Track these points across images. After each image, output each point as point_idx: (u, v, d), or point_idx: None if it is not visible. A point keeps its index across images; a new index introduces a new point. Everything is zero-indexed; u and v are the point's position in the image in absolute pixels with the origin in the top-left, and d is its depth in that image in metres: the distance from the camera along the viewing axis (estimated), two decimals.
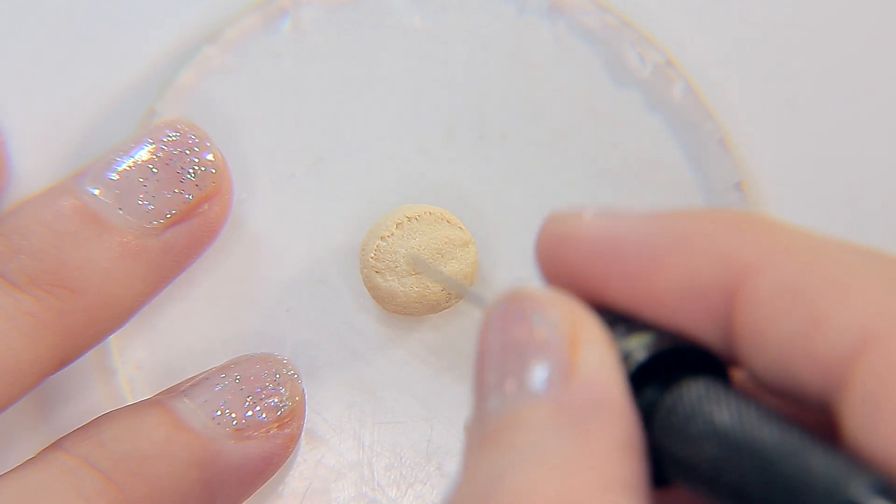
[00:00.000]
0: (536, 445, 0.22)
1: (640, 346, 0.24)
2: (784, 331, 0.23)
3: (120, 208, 0.33)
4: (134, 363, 0.38)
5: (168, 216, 0.34)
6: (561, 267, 0.26)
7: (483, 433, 0.23)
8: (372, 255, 0.36)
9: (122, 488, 0.32)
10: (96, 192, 0.34)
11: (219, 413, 0.34)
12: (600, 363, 0.23)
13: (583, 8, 0.38)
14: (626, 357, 0.24)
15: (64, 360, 0.33)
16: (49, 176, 0.36)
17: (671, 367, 0.24)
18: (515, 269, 0.39)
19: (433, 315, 0.38)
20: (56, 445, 0.33)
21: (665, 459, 0.23)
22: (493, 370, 0.24)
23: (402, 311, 0.37)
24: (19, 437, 0.37)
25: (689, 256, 0.24)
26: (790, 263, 0.23)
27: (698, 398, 0.23)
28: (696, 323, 0.24)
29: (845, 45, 0.39)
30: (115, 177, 0.34)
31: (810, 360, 0.22)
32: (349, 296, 0.38)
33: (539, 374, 0.23)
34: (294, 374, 0.36)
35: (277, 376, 0.35)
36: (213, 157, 0.35)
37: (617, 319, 0.25)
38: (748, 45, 0.39)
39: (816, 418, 0.23)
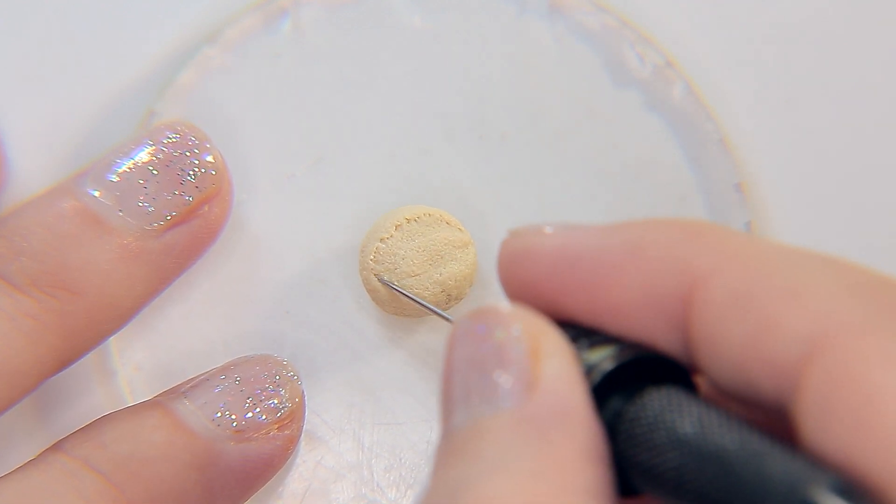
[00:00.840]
0: (500, 455, 0.23)
1: (603, 357, 0.24)
2: (736, 337, 0.23)
3: (120, 210, 0.33)
4: (134, 364, 0.38)
5: (168, 218, 0.34)
6: (522, 282, 0.26)
7: (448, 447, 0.24)
8: (371, 256, 0.36)
9: (123, 490, 0.32)
10: (97, 193, 0.33)
11: (219, 414, 0.34)
12: (561, 374, 0.24)
13: (583, 8, 0.38)
14: (590, 369, 0.24)
15: (64, 361, 0.33)
16: (49, 176, 0.37)
17: (636, 377, 0.24)
18: None
19: (432, 316, 0.38)
20: (56, 447, 0.33)
21: (631, 469, 0.24)
22: (459, 385, 0.24)
23: (402, 312, 0.37)
24: (19, 439, 0.37)
25: (643, 266, 0.24)
26: (741, 270, 0.23)
27: (660, 408, 0.23)
28: (656, 332, 0.24)
29: (845, 46, 0.39)
30: (115, 178, 0.34)
31: (763, 366, 0.22)
32: (349, 297, 0.38)
33: (502, 387, 0.24)
34: (294, 376, 0.36)
35: (277, 378, 0.35)
36: (213, 158, 0.35)
37: (581, 333, 0.25)
38: (748, 46, 0.39)
39: (778, 422, 0.23)
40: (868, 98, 0.39)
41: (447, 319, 0.35)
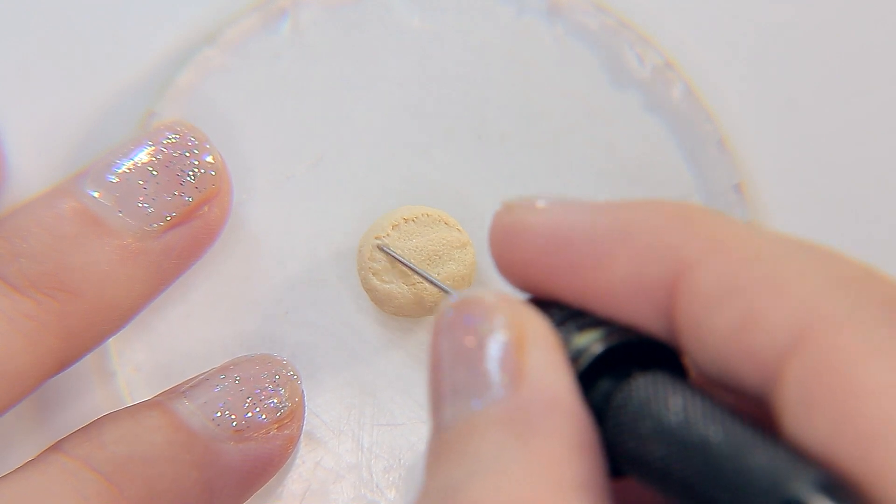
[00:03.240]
0: (489, 455, 0.22)
1: (590, 342, 0.24)
2: (720, 327, 0.23)
3: (120, 211, 0.33)
4: (133, 365, 0.38)
5: (168, 218, 0.34)
6: (513, 258, 0.26)
7: (438, 446, 0.24)
8: (369, 256, 0.36)
9: (123, 490, 0.32)
10: (96, 194, 0.33)
11: (219, 414, 0.34)
12: (547, 364, 0.24)
13: (582, 9, 0.38)
14: (577, 354, 0.24)
15: (64, 362, 0.33)
16: (48, 177, 0.37)
17: (624, 360, 0.24)
18: None
19: (431, 317, 0.38)
20: (56, 447, 0.33)
21: (618, 454, 0.24)
22: (445, 379, 0.24)
23: (401, 312, 0.37)
24: (19, 439, 0.37)
25: (633, 251, 0.24)
26: (728, 260, 0.23)
27: (646, 396, 0.23)
28: (644, 316, 0.24)
29: (845, 47, 0.39)
30: (114, 179, 0.34)
31: (746, 357, 0.22)
32: (348, 297, 0.38)
33: (489, 381, 0.23)
34: (293, 375, 0.36)
35: (277, 377, 0.35)
36: (213, 159, 0.35)
37: (570, 315, 0.25)
38: (747, 47, 0.39)
39: (763, 411, 0.23)
40: (867, 99, 0.39)
41: (446, 291, 0.35)
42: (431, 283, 0.36)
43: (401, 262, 0.36)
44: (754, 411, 0.23)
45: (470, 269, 0.37)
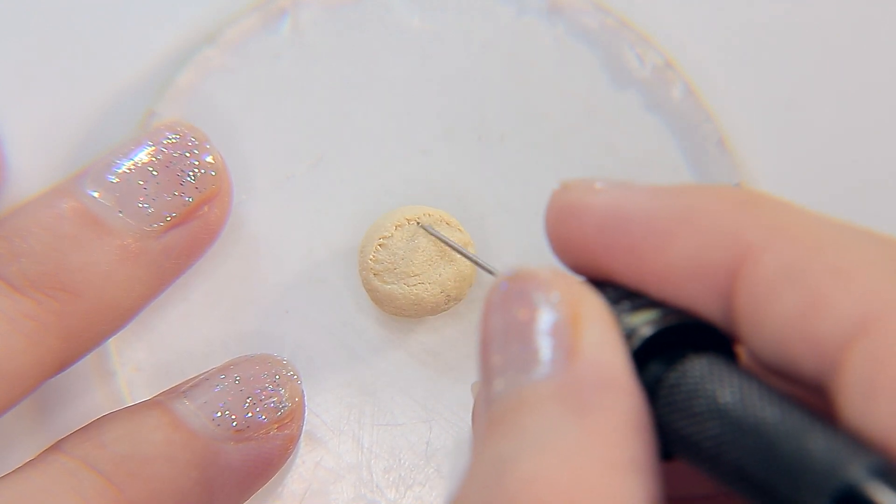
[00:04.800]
0: (542, 430, 0.22)
1: (644, 322, 0.24)
2: (782, 313, 0.23)
3: (120, 211, 0.33)
4: (133, 365, 0.38)
5: (168, 219, 0.34)
6: (569, 238, 0.26)
7: (489, 418, 0.23)
8: (371, 257, 0.36)
9: (122, 489, 0.32)
10: (96, 194, 0.33)
11: (219, 414, 0.34)
12: (602, 342, 0.23)
13: (582, 9, 0.38)
14: (631, 333, 0.24)
15: (64, 362, 0.33)
16: (48, 177, 0.36)
17: (676, 343, 0.24)
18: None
19: (431, 317, 0.38)
20: (56, 447, 0.33)
21: (668, 435, 0.24)
22: (497, 353, 0.24)
23: (401, 312, 0.37)
24: (19, 439, 0.37)
25: (694, 234, 0.24)
26: (792, 245, 0.23)
27: (701, 376, 0.23)
28: (700, 300, 0.24)
29: (845, 46, 0.39)
30: (114, 179, 0.34)
31: (807, 343, 0.22)
32: (348, 297, 0.38)
33: (542, 356, 0.23)
34: (294, 375, 0.36)
35: (277, 377, 0.35)
36: (213, 159, 0.35)
37: (624, 295, 0.25)
38: (747, 47, 0.39)
39: (818, 400, 0.23)
40: (867, 98, 0.39)
41: (490, 272, 0.35)
42: (477, 264, 0.35)
43: (446, 242, 0.36)
44: (809, 400, 0.23)
45: (471, 268, 0.37)
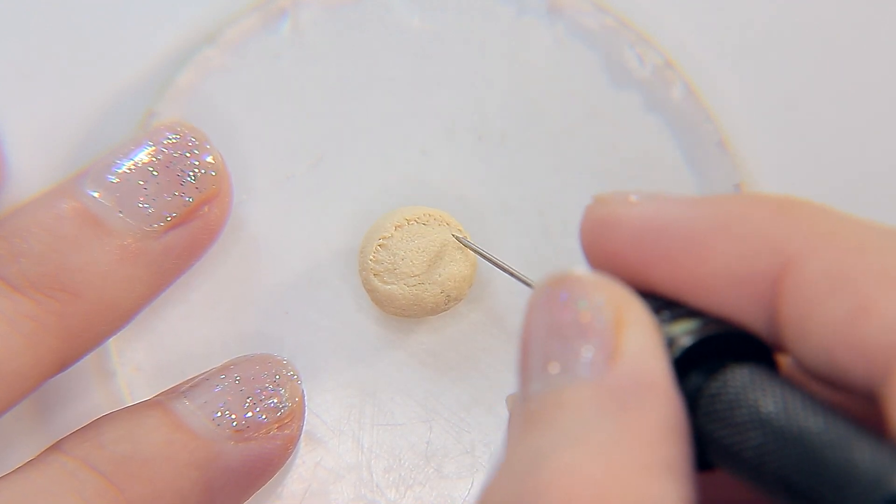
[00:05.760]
0: (578, 426, 0.22)
1: (685, 331, 0.24)
2: (829, 319, 0.23)
3: (120, 211, 0.33)
4: (133, 365, 0.38)
5: (168, 219, 0.34)
6: (606, 250, 0.26)
7: (526, 414, 0.23)
8: (371, 257, 0.36)
9: (123, 490, 0.32)
10: (96, 194, 0.33)
11: (219, 414, 0.34)
12: (644, 347, 0.23)
13: (582, 9, 0.38)
14: (671, 342, 0.24)
15: (64, 362, 0.33)
16: (48, 177, 0.36)
17: (717, 352, 0.24)
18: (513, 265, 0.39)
19: (432, 317, 0.38)
20: (56, 447, 0.33)
21: (708, 445, 0.24)
22: (538, 353, 0.24)
23: (401, 313, 0.37)
24: (19, 439, 0.37)
25: (733, 243, 0.24)
26: (837, 250, 0.23)
27: (743, 385, 0.23)
28: (741, 309, 0.24)
29: (845, 47, 0.39)
30: (115, 179, 0.34)
31: (855, 349, 0.22)
32: (348, 297, 0.38)
33: (583, 357, 0.23)
34: (294, 375, 0.36)
35: (277, 377, 0.35)
36: (213, 159, 0.35)
37: (663, 305, 0.25)
38: (747, 47, 0.39)
39: (865, 408, 0.23)
40: (867, 98, 0.39)
41: (528, 284, 0.34)
42: (512, 274, 0.35)
43: (480, 253, 0.36)
44: (857, 409, 0.23)
45: (471, 269, 0.37)
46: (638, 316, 0.24)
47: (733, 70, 0.39)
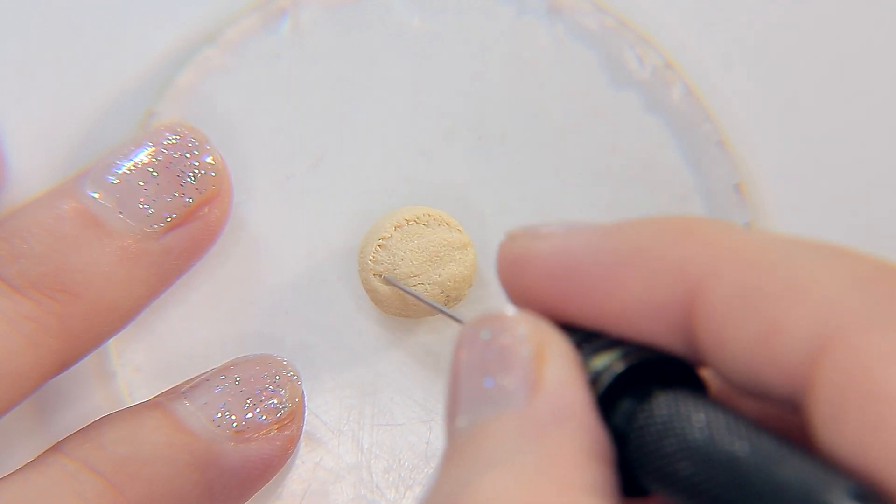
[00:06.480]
0: (500, 454, 0.23)
1: (609, 363, 0.24)
2: (743, 338, 0.23)
3: (120, 212, 0.33)
4: (133, 366, 0.38)
5: (168, 220, 0.34)
6: (521, 286, 0.26)
7: (452, 448, 0.24)
8: (371, 257, 0.36)
9: (123, 491, 0.32)
10: (96, 195, 0.34)
11: (219, 415, 0.34)
12: (564, 377, 0.24)
13: (582, 9, 0.38)
14: (596, 376, 0.24)
15: (64, 363, 0.33)
16: (48, 177, 0.37)
17: (643, 378, 0.24)
18: None
19: (431, 317, 0.38)
20: (56, 448, 0.33)
21: (643, 474, 0.24)
22: (463, 389, 0.24)
23: (401, 313, 0.37)
24: (19, 440, 0.37)
25: (641, 271, 0.24)
26: (742, 269, 0.23)
27: (669, 415, 0.23)
28: (659, 335, 0.24)
29: (845, 47, 0.39)
30: (115, 180, 0.34)
31: (773, 366, 0.22)
32: (348, 297, 0.38)
33: (506, 390, 0.24)
34: (294, 376, 0.36)
35: (277, 378, 0.35)
36: (213, 160, 0.35)
37: (584, 338, 0.25)
38: (747, 47, 0.39)
39: (795, 419, 0.23)
40: (868, 99, 0.39)
41: (457, 321, 0.35)
42: (447, 315, 0.36)
43: (411, 294, 0.36)
44: (785, 420, 0.23)
45: (470, 269, 0.37)
46: (558, 349, 0.24)
47: (733, 71, 0.39)
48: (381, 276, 0.36)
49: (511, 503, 0.22)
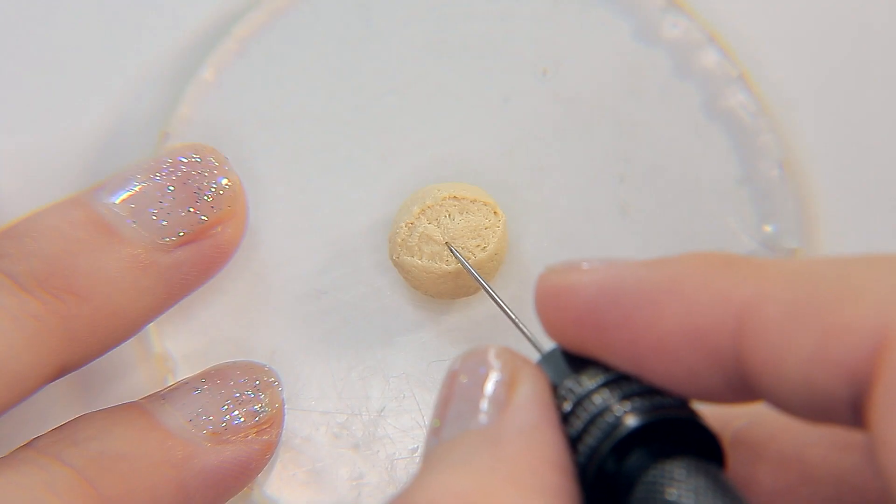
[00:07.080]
0: (459, 457, 0.24)
1: (628, 412, 0.25)
2: (800, 349, 0.23)
3: (134, 221, 0.34)
4: (181, 353, 0.39)
5: (181, 234, 0.35)
6: (560, 319, 0.27)
7: (422, 459, 0.26)
8: (400, 239, 0.37)
9: (95, 485, 0.32)
10: (111, 204, 0.34)
11: (196, 416, 0.35)
12: (530, 399, 0.25)
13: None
14: (617, 422, 0.25)
15: (66, 366, 0.33)
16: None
17: (663, 435, 0.25)
18: (542, 240, 0.39)
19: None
20: (28, 445, 0.33)
21: None
22: (445, 413, 0.26)
23: (438, 294, 0.38)
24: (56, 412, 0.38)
25: (686, 301, 0.24)
26: (791, 288, 0.23)
27: (678, 494, 0.24)
28: (701, 366, 0.25)
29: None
30: (131, 192, 0.34)
31: (833, 371, 0.22)
32: (379, 281, 0.39)
33: (480, 411, 0.26)
34: (275, 382, 0.36)
35: (257, 383, 0.36)
36: (231, 181, 0.35)
37: (614, 379, 0.26)
38: (797, 28, 0.38)
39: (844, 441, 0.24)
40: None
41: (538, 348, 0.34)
42: (522, 332, 0.35)
43: (465, 265, 0.36)
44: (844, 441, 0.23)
45: (501, 244, 0.37)
46: (529, 376, 0.26)
47: (777, 47, 0.38)
48: (440, 242, 0.37)
49: (459, 495, 0.23)
